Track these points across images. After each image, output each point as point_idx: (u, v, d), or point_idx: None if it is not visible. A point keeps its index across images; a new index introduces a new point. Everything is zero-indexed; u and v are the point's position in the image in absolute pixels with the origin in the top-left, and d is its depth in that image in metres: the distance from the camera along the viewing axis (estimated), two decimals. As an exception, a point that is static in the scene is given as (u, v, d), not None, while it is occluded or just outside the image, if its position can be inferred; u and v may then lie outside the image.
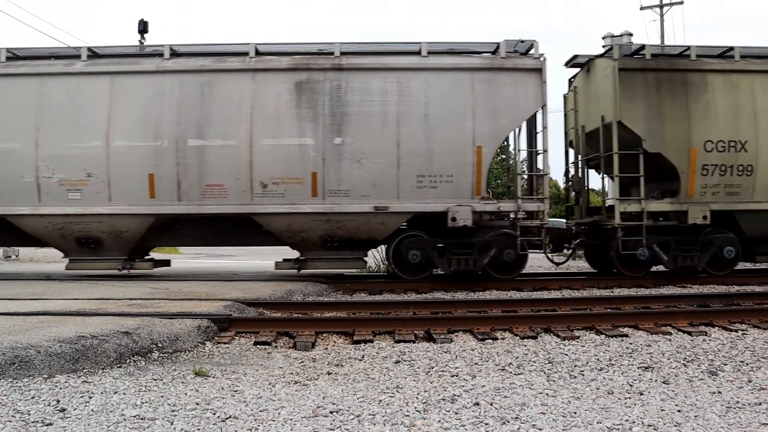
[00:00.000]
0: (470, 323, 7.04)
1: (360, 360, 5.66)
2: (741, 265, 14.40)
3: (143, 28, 20.47)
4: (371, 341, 6.43)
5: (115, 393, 4.38)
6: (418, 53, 11.29)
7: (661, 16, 28.07)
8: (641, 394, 4.43)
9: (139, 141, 11.08)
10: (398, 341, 6.42)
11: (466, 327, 6.94)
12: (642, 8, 28.38)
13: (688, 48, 11.89)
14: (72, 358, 5.01)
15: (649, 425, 3.73)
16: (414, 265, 11.11)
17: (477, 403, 4.18)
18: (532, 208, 11.30)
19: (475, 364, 5.44)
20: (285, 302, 8.74)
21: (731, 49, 11.91)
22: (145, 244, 12.05)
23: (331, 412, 3.99)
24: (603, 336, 6.59)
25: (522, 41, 11.45)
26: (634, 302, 8.67)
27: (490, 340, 6.39)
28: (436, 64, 11.22)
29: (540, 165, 11.71)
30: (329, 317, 7.54)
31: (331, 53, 11.35)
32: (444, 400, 4.27)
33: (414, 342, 6.40)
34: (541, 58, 11.24)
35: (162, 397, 4.33)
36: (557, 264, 12.49)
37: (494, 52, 11.50)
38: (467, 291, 10.78)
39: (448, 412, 4.01)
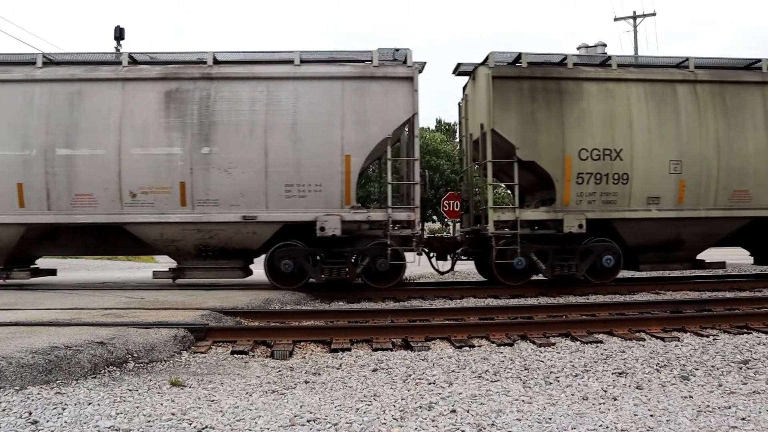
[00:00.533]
0: (447, 331, 7.08)
1: (338, 368, 5.67)
2: (717, 272, 14.69)
3: (119, 35, 20.37)
4: (349, 349, 6.44)
5: (89, 404, 4.33)
6: (291, 62, 11.31)
7: (635, 27, 28.58)
8: (615, 400, 4.49)
9: (6, 150, 10.98)
10: (376, 349, 6.44)
11: (444, 335, 6.98)
12: (616, 19, 28.87)
13: (566, 56, 11.81)
14: (45, 369, 4.94)
15: (622, 430, 3.79)
16: (287, 274, 11.05)
17: (453, 410, 4.21)
18: (403, 217, 11.17)
19: (452, 371, 5.47)
20: (263, 311, 8.71)
21: (609, 57, 11.91)
22: (23, 254, 11.83)
23: (308, 421, 3.99)
24: (578, 342, 6.67)
25: (397, 50, 11.41)
26: (609, 308, 8.77)
27: (467, 348, 6.43)
28: (307, 73, 11.21)
29: (414, 173, 11.45)
30: (307, 326, 7.53)
31: (204, 62, 11.35)
32: (421, 407, 4.29)
33: (391, 350, 6.42)
34: (414, 67, 11.24)
35: (137, 407, 4.29)
36: (441, 273, 12.32)
37: (371, 61, 11.42)
38: (445, 299, 10.83)
39: (425, 419, 4.04)
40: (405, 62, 11.40)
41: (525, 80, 11.55)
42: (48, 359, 5.05)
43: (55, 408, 4.21)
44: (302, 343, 6.74)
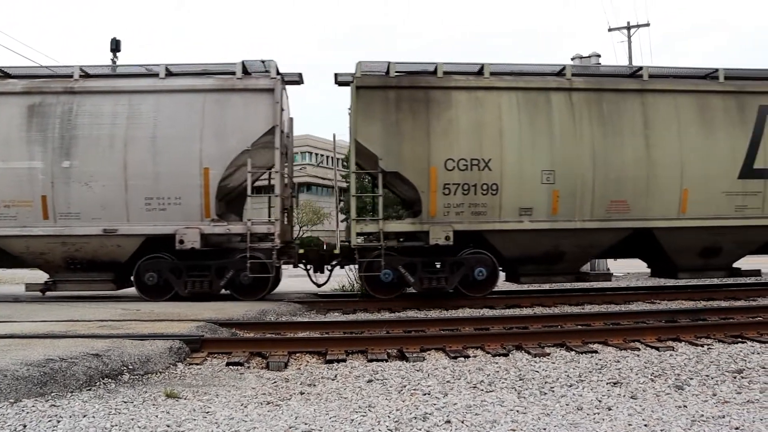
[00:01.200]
0: (443, 341, 7.08)
1: (333, 379, 5.67)
2: (712, 281, 14.72)
3: (116, 47, 20.43)
4: (344, 360, 6.44)
5: (84, 416, 4.32)
6: (156, 75, 11.41)
7: (629, 37, 28.73)
8: (610, 410, 4.50)
9: None
10: (371, 360, 6.44)
11: (439, 345, 6.98)
12: (610, 29, 29.00)
13: (437, 65, 11.52)
14: (40, 382, 4.94)
15: (616, 440, 3.80)
16: (152, 287, 11.11)
17: (448, 421, 4.21)
18: (263, 230, 11.23)
19: (447, 382, 5.47)
20: (258, 322, 8.70)
21: (482, 66, 11.59)
22: None
23: (303, 433, 3.99)
24: (573, 352, 6.68)
25: (263, 61, 11.51)
26: (604, 318, 8.79)
27: (462, 358, 6.44)
28: (169, 86, 11.31)
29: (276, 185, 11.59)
30: (302, 337, 7.52)
31: (70, 76, 11.44)
32: (416, 418, 4.30)
33: (387, 361, 6.43)
34: (276, 79, 11.31)
35: (132, 419, 4.28)
36: (318, 285, 12.07)
37: (234, 73, 11.48)
38: (440, 309, 10.84)
39: (420, 430, 4.04)
40: (269, 74, 11.46)
41: (391, 90, 11.28)
42: (43, 371, 5.04)
43: (50, 420, 4.20)
44: (297, 355, 6.74)
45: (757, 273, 12.92)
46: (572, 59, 26.41)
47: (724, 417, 4.27)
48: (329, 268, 12.00)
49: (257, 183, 12.40)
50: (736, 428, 4.02)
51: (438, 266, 11.40)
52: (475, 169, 11.15)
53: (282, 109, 11.46)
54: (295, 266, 12.06)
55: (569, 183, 11.34)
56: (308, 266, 12.06)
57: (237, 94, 11.26)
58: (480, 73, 11.65)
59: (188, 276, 11.09)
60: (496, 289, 12.72)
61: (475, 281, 11.28)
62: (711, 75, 12.25)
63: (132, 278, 11.33)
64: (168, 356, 6.25)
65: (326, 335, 7.71)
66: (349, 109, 12.95)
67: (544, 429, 4.03)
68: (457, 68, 11.73)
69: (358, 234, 11.21)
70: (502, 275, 12.30)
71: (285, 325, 8.57)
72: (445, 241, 11.01)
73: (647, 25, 28.68)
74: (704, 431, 3.97)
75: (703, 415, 4.32)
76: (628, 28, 28.49)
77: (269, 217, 11.74)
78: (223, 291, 11.46)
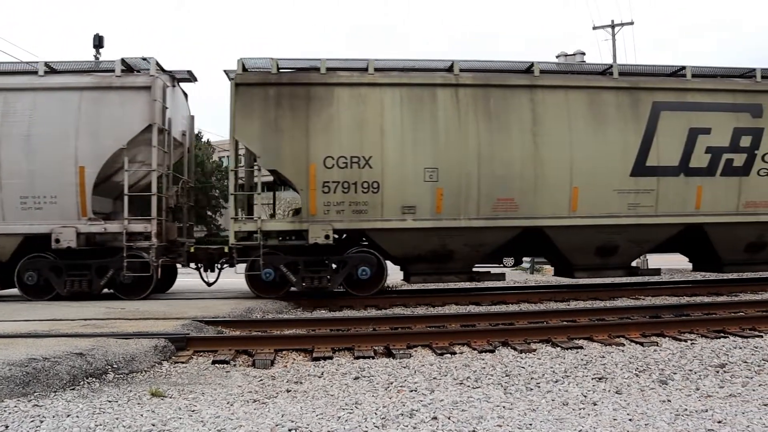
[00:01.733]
0: (429, 338, 7.09)
1: (319, 377, 5.66)
2: (697, 275, 14.85)
3: (98, 42, 20.21)
4: (331, 358, 6.43)
5: (68, 416, 4.28)
6: (35, 73, 11.29)
7: (613, 36, 28.91)
8: (595, 405, 4.54)
9: None
10: (358, 357, 6.43)
11: (425, 342, 6.99)
12: (594, 28, 29.16)
13: (320, 61, 11.24)
14: (22, 382, 4.88)
15: (601, 435, 3.83)
16: (32, 286, 11.01)
17: (435, 417, 4.22)
18: (140, 228, 11.07)
19: (434, 378, 5.49)
20: (244, 320, 8.66)
21: (368, 62, 11.29)
22: None
23: (290, 430, 3.98)
24: (559, 348, 6.72)
25: (144, 58, 11.46)
26: (589, 314, 8.85)
27: (449, 355, 6.45)
28: (46, 84, 11.13)
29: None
30: (289, 334, 7.50)
31: None
32: (402, 415, 4.30)
33: (373, 358, 6.43)
34: (154, 76, 11.18)
35: (117, 419, 4.25)
36: (209, 284, 11.87)
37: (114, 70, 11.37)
38: (427, 306, 10.85)
39: (407, 426, 4.05)
40: (149, 71, 11.38)
41: (272, 87, 11.03)
42: (25, 371, 4.99)
43: (32, 421, 4.16)
44: (284, 352, 6.72)
45: (656, 272, 12.95)
46: (557, 57, 26.54)
47: (707, 411, 4.32)
48: (219, 267, 11.83)
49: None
50: (719, 422, 4.07)
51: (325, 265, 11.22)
52: (356, 167, 10.95)
53: (165, 107, 11.32)
54: (185, 266, 11.95)
55: (453, 181, 11.10)
56: (198, 265, 11.87)
57: (114, 92, 11.11)
58: (366, 69, 11.39)
59: (68, 275, 10.96)
60: (484, 286, 12.82)
61: (359, 280, 11.09)
62: (606, 71, 12.02)
63: (15, 278, 11.10)
64: (153, 355, 6.20)
65: (313, 332, 7.69)
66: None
67: (530, 424, 4.05)
68: (343, 64, 11.50)
69: (237, 233, 11.00)
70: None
71: (271, 323, 8.53)
72: (325, 240, 10.79)
73: (631, 23, 28.90)
74: (688, 425, 4.01)
75: (686, 410, 4.36)
76: (612, 26, 28.66)
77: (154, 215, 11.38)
78: (107, 290, 11.34)
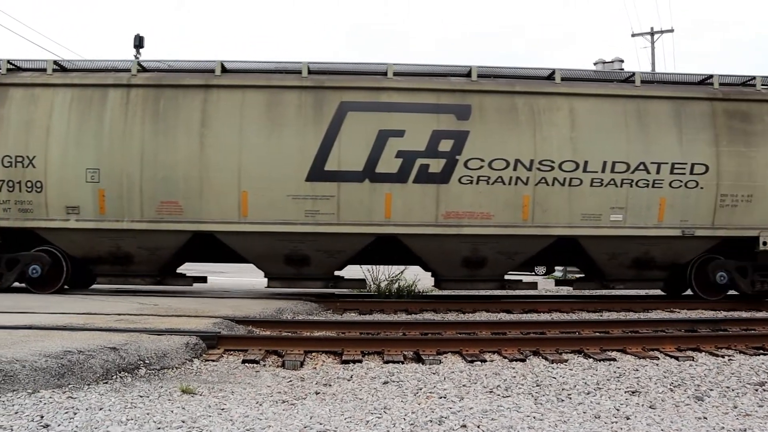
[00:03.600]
0: (459, 345, 7.04)
1: (348, 380, 5.65)
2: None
3: (139, 43, 20.62)
4: (360, 361, 6.42)
5: (101, 409, 4.35)
6: None
7: (652, 43, 28.50)
8: (628, 419, 4.44)
9: None
10: (387, 362, 6.41)
11: (455, 348, 6.94)
12: (633, 35, 28.83)
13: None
14: (57, 374, 4.97)
15: (634, 450, 3.74)
16: None
17: (464, 425, 4.18)
18: None
19: (463, 386, 5.43)
20: (274, 320, 8.71)
21: (46, 63, 11.54)
22: None
23: (317, 432, 3.98)
24: (591, 360, 6.60)
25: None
26: (622, 326, 8.69)
27: (479, 362, 6.39)
28: None
29: None
30: (318, 336, 7.52)
31: None
32: (431, 421, 4.27)
33: (403, 363, 6.40)
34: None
35: (148, 414, 4.30)
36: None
37: None
38: (457, 312, 10.79)
39: (435, 433, 4.01)
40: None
41: None
42: (61, 363, 5.08)
43: (66, 412, 4.23)
44: (313, 354, 6.74)
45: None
46: (595, 64, 26.20)
47: (745, 430, 4.19)
48: None
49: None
50: (759, 442, 3.95)
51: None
52: (20, 166, 11.12)
53: None
54: None
55: (115, 182, 11.11)
56: None
57: None
58: (44, 70, 11.50)
59: None
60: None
61: (31, 279, 11.23)
62: (296, 70, 11.47)
63: None
64: (184, 352, 6.27)
65: (342, 335, 7.70)
66: None
67: (561, 436, 3.98)
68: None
69: None
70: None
71: (301, 324, 8.58)
72: None
73: (671, 30, 28.43)
74: (725, 444, 3.90)
75: (723, 428, 4.24)
76: (652, 33, 28.23)
77: None
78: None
